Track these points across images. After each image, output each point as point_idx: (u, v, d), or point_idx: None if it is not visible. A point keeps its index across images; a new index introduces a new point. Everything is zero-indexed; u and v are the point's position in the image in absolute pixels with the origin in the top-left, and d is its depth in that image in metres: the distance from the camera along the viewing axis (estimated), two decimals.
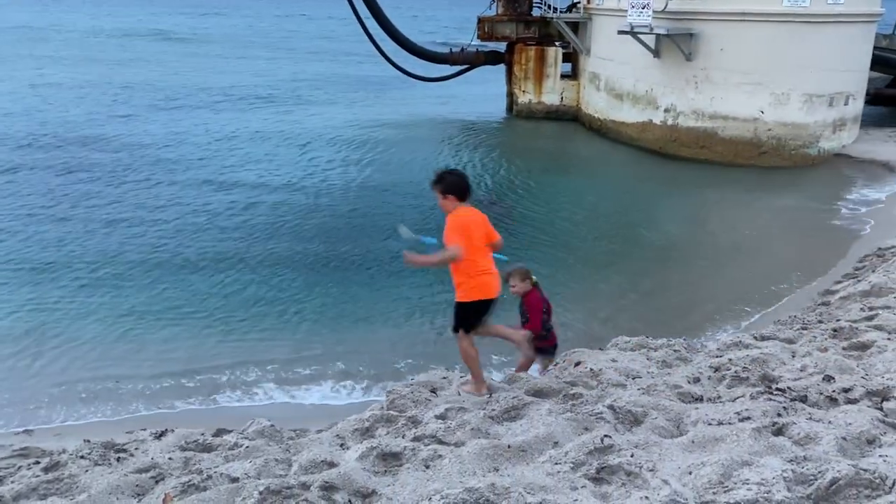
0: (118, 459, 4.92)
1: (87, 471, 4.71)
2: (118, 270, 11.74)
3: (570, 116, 26.72)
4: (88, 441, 5.36)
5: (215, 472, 4.52)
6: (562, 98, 26.93)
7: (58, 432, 7.66)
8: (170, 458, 4.85)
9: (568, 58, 27.19)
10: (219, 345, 9.45)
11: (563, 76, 27.11)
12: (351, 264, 12.15)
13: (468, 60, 28.27)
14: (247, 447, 5.06)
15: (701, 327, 10.04)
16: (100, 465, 4.87)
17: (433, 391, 6.06)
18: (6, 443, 7.32)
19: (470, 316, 5.52)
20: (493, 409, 5.33)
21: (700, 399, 5.36)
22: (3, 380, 8.63)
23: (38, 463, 5.06)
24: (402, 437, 4.97)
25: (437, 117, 26.81)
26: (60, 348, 9.31)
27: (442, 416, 5.30)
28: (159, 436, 5.41)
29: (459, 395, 5.83)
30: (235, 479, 4.48)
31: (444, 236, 5.26)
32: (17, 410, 8.09)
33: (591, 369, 6.29)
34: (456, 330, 5.65)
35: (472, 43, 28.39)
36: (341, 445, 5.05)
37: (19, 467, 5.07)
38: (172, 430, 5.47)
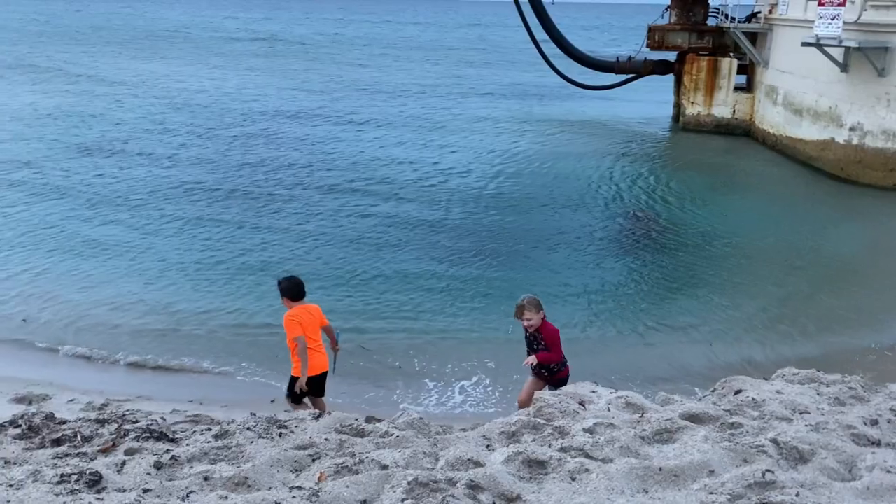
0: (280, 435, 5.23)
1: (252, 442, 5.05)
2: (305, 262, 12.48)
3: (741, 131, 25.41)
4: (254, 414, 5.75)
5: (367, 458, 4.70)
6: (734, 111, 25.66)
7: (224, 404, 8.27)
8: (326, 439, 5.10)
9: (742, 70, 25.88)
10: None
11: (737, 88, 25.83)
12: (499, 271, 12.21)
13: (635, 69, 27.61)
14: (397, 437, 5.22)
15: (880, 365, 9.21)
16: (263, 438, 5.20)
17: (581, 403, 5.96)
18: (180, 408, 8.03)
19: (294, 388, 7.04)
20: (645, 430, 5.16)
21: (878, 443, 4.91)
22: (183, 354, 9.46)
23: (209, 430, 5.49)
24: (549, 447, 4.93)
25: (598, 126, 26.40)
26: (226, 335, 10.04)
27: (590, 430, 5.20)
28: (317, 417, 5.69)
29: (609, 410, 5.70)
30: (385, 467, 4.64)
31: (287, 332, 6.82)
32: (192, 381, 8.83)
33: (754, 399, 5.93)
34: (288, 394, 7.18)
35: (641, 51, 27.70)
36: (487, 447, 5.08)
37: (193, 432, 5.53)
38: (329, 413, 5.74)
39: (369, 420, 6.60)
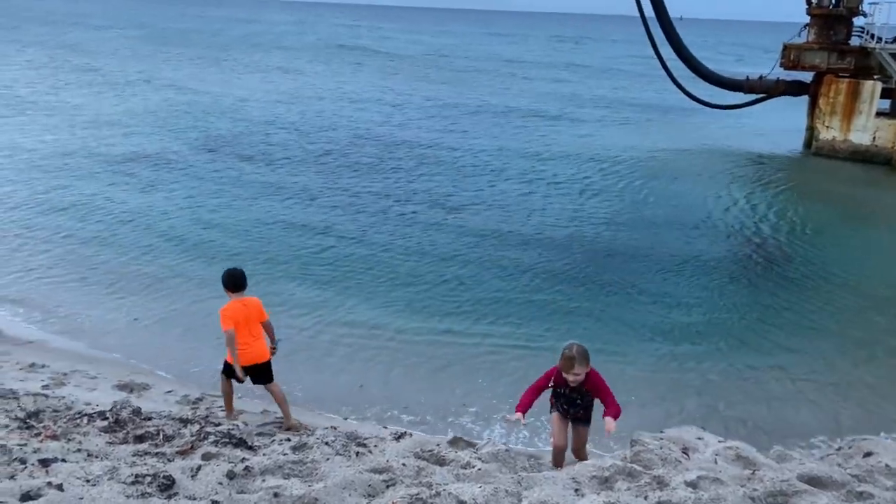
0: (357, 454, 5.01)
1: (328, 459, 4.85)
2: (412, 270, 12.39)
3: (881, 159, 23.46)
4: (335, 428, 5.56)
5: (444, 490, 4.40)
6: (874, 138, 23.72)
7: (311, 408, 8.14)
8: (403, 464, 4.83)
9: (887, 94, 23.92)
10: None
11: (879, 114, 23.89)
12: (607, 295, 11.62)
13: (766, 89, 26.10)
14: (479, 469, 4.89)
15: None
16: (340, 455, 4.99)
17: (685, 451, 5.42)
18: (273, 410, 7.94)
19: (228, 369, 6.93)
20: (756, 490, 4.59)
21: None
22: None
23: (288, 440, 5.35)
24: (644, 499, 4.46)
25: (722, 147, 25.09)
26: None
27: (693, 485, 4.68)
28: (398, 437, 5.44)
29: (716, 463, 5.14)
30: (462, 503, 4.32)
31: (221, 324, 6.82)
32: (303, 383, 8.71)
33: (887, 465, 5.21)
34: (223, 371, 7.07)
35: (773, 71, 26.15)
36: (576, 491, 4.66)
37: (273, 440, 5.40)
38: (411, 435, 5.48)
39: (454, 442, 6.30)
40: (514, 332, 10.10)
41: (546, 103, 29.87)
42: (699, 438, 5.72)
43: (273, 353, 7.21)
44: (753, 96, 26.44)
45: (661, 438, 5.60)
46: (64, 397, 7.56)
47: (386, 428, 5.88)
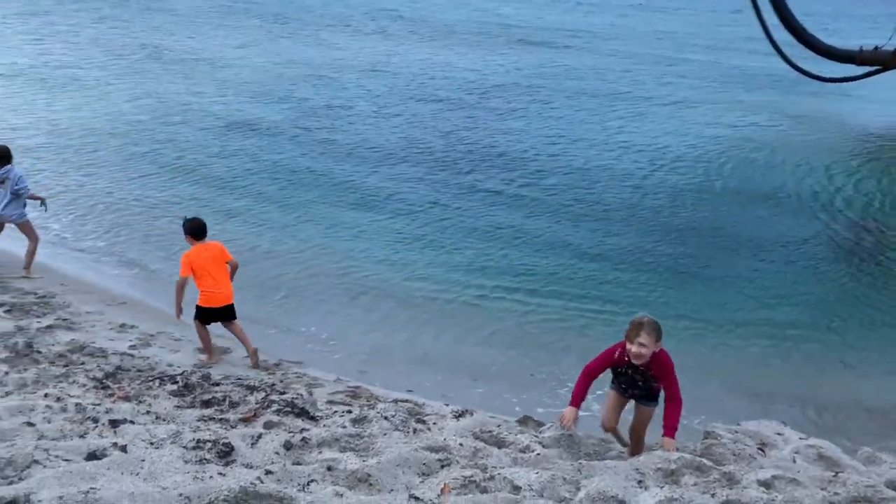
0: (415, 431, 4.96)
1: (385, 434, 4.82)
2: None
3: None
4: (396, 402, 5.53)
5: (499, 474, 4.29)
6: None
7: (371, 380, 8.07)
8: (461, 444, 4.75)
9: None
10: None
11: None
12: (691, 271, 11.12)
13: (881, 61, 24.25)
14: (538, 454, 4.75)
15: None
16: (398, 430, 4.95)
17: (761, 447, 5.10)
18: (346, 378, 8.02)
19: (200, 314, 7.74)
20: (837, 495, 4.27)
21: None
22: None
23: (349, 412, 5.36)
24: (712, 496, 4.21)
25: (833, 123, 23.54)
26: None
27: (767, 484, 4.39)
28: (459, 415, 5.36)
29: (794, 462, 4.81)
30: (517, 489, 4.20)
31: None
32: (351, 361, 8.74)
33: None
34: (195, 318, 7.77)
35: (891, 42, 24.26)
36: (639, 483, 4.46)
37: (334, 412, 5.42)
38: (472, 414, 5.39)
39: (524, 421, 6.18)
40: (595, 306, 9.82)
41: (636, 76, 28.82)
42: (779, 434, 5.38)
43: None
44: (867, 69, 24.65)
45: (737, 432, 5.30)
46: (148, 358, 7.88)
47: (447, 405, 5.80)
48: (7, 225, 10.33)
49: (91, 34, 30.17)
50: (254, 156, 16.89)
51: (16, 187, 9.98)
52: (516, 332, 9.24)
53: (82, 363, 7.04)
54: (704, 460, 4.70)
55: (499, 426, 5.22)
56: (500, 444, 4.94)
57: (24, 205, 10.26)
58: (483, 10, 41.52)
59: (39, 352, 7.14)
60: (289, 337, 9.26)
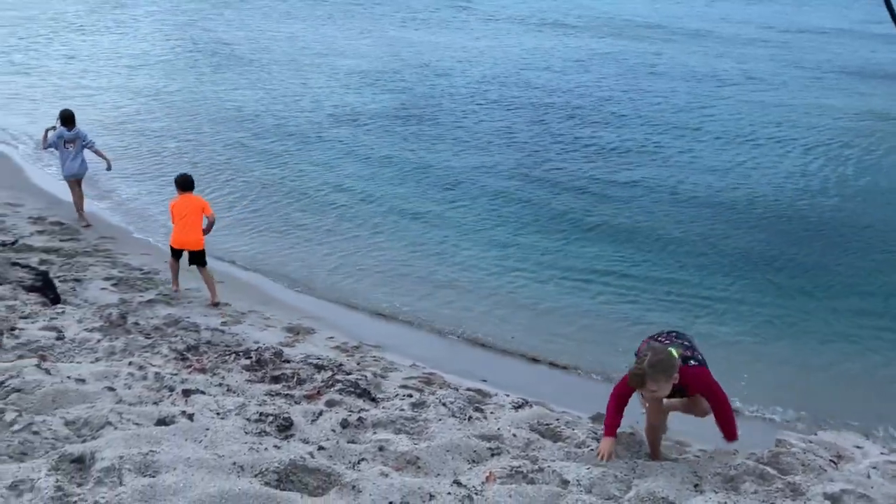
0: (470, 418, 4.99)
1: (440, 420, 4.88)
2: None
3: None
4: (457, 389, 5.58)
5: (548, 467, 4.26)
6: None
7: (449, 368, 8.12)
8: (514, 434, 4.74)
9: None
10: None
11: None
12: (803, 272, 10.53)
13: None
14: (592, 450, 4.67)
15: None
16: (454, 417, 5.00)
17: (835, 459, 4.82)
18: (422, 365, 8.13)
19: (171, 251, 9.22)
20: None
21: None
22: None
23: (411, 396, 5.45)
24: None
25: None
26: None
27: (834, 498, 4.15)
28: (518, 406, 5.34)
29: (869, 477, 4.51)
30: (565, 482, 4.16)
31: None
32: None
33: None
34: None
35: None
36: (695, 486, 4.31)
37: (396, 395, 5.53)
38: (531, 406, 5.36)
39: (597, 418, 6.09)
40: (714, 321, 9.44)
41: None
42: (857, 447, 5.06)
43: (206, 233, 9.21)
44: None
45: (811, 441, 5.02)
46: (237, 334, 8.28)
47: (508, 395, 5.80)
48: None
49: (204, 26, 31.75)
50: (353, 143, 17.33)
51: (83, 143, 11.43)
52: (606, 328, 9.09)
53: (177, 336, 7.49)
54: (769, 468, 4.48)
55: (557, 419, 5.17)
56: (555, 437, 4.89)
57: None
58: (590, 3, 40.65)
59: (137, 323, 7.66)
60: (375, 320, 9.51)
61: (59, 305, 7.52)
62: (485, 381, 7.50)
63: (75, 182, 11.52)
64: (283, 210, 12.98)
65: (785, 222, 12.42)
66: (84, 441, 3.91)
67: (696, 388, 4.45)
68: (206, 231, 9.25)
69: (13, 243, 9.83)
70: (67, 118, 11.25)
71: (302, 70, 24.46)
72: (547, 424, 5.02)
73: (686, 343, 4.58)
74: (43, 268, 8.77)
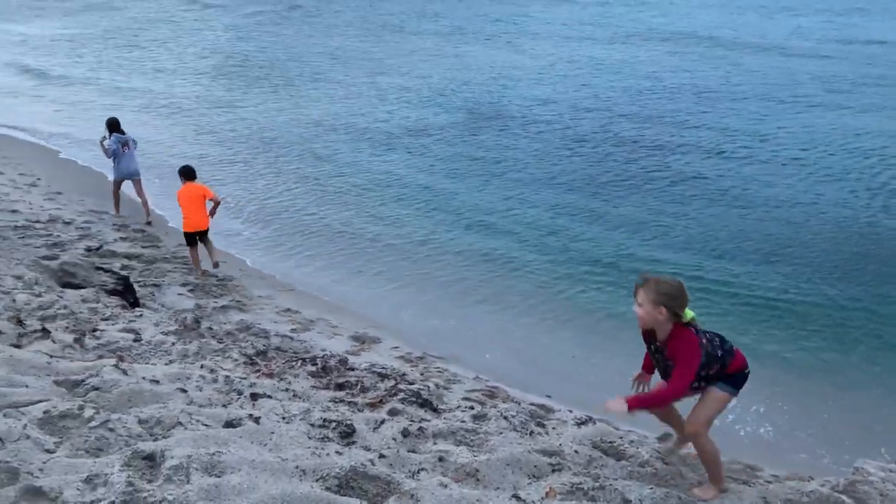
0: (531, 433, 4.95)
1: (501, 433, 4.85)
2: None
3: None
4: (520, 404, 5.54)
5: (610, 485, 4.18)
6: None
7: (508, 380, 8.10)
8: (576, 451, 4.67)
9: None
10: None
11: None
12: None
13: None
14: (656, 470, 4.56)
15: None
16: (515, 431, 4.97)
17: None
18: (485, 377, 8.09)
19: (185, 237, 10.47)
20: None
21: None
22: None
23: (472, 408, 5.44)
24: None
25: None
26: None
27: None
28: (581, 423, 5.26)
29: None
30: (627, 502, 4.07)
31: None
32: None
33: None
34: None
35: None
36: None
37: (458, 407, 5.53)
38: (595, 423, 5.27)
39: (663, 438, 5.94)
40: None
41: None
42: None
43: (212, 216, 10.47)
44: None
45: (891, 471, 4.76)
46: (305, 341, 8.45)
47: (571, 411, 5.71)
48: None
49: (269, 41, 32.69)
50: (422, 154, 17.51)
51: (135, 144, 12.62)
52: None
53: (247, 341, 7.70)
54: (844, 497, 4.28)
55: (621, 437, 5.07)
56: (619, 455, 4.80)
57: None
58: (666, 15, 40.04)
59: (211, 328, 7.91)
60: (440, 332, 9.53)
61: (137, 309, 7.83)
62: (549, 396, 7.43)
63: (137, 181, 12.58)
64: (353, 220, 13.23)
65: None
66: (156, 439, 4.05)
67: (673, 346, 4.07)
68: (212, 213, 10.47)
69: (98, 248, 10.30)
70: (116, 124, 12.56)
71: (376, 84, 24.89)
72: (610, 442, 4.93)
73: (721, 341, 4.23)
74: (124, 273, 9.16)
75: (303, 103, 22.41)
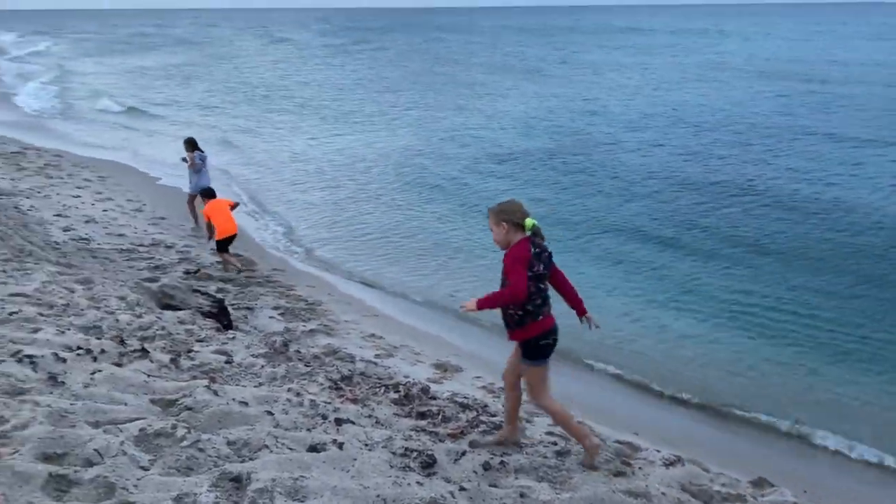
0: (617, 473, 4.79)
1: (584, 471, 4.72)
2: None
3: None
4: (605, 441, 5.39)
5: None
6: None
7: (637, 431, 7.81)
8: (663, 493, 4.49)
9: None
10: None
11: None
12: None
13: None
14: None
15: None
16: (600, 469, 4.82)
17: None
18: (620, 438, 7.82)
19: (218, 245, 11.42)
20: None
21: None
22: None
23: (555, 444, 5.33)
24: None
25: None
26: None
27: None
28: (669, 464, 5.07)
29: None
30: None
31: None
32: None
33: None
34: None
35: None
36: None
37: (541, 442, 5.42)
38: (683, 464, 5.06)
39: (758, 483, 5.65)
40: None
41: None
42: None
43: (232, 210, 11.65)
44: None
45: None
46: (389, 367, 8.51)
47: (659, 451, 5.50)
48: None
49: (369, 74, 33.56)
50: (514, 181, 17.57)
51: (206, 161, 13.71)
52: (783, 378, 8.49)
53: (333, 366, 7.82)
54: None
55: (711, 480, 4.84)
56: (708, 499, 4.59)
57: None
58: (746, 46, 39.01)
59: (299, 352, 8.08)
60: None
61: (230, 331, 8.09)
62: (636, 434, 7.20)
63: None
64: (445, 244, 13.44)
65: None
66: (243, 461, 4.15)
67: (505, 260, 4.67)
68: (232, 208, 11.75)
69: (196, 272, 10.74)
70: (195, 143, 13.64)
71: (473, 110, 25.22)
72: (700, 485, 4.72)
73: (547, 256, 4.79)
74: (220, 296, 9.50)
75: (400, 132, 22.93)
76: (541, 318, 4.67)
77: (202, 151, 13.62)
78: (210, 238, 12.73)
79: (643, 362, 8.99)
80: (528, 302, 4.58)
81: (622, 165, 18.83)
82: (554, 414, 4.86)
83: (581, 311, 4.98)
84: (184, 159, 13.68)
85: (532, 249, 4.63)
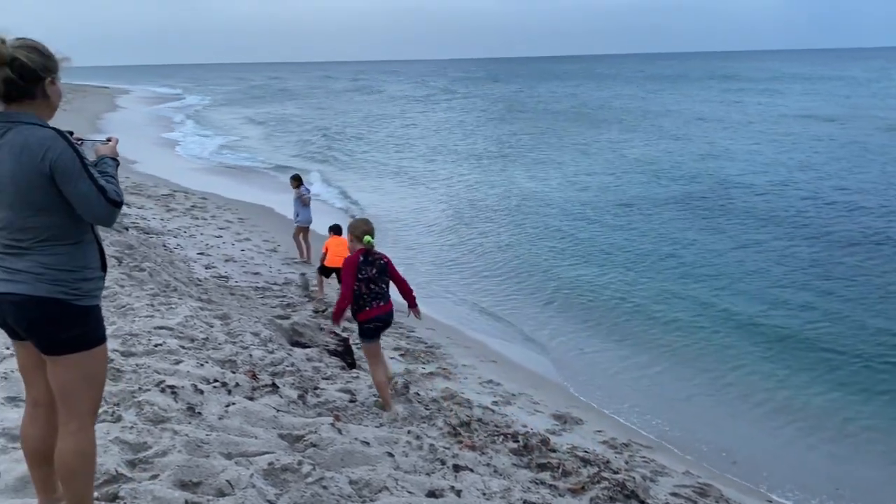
0: None
1: None
2: None
3: None
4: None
5: None
6: None
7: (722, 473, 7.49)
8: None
9: None
10: None
11: None
12: None
13: None
14: None
15: None
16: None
17: None
18: (697, 473, 7.53)
19: (322, 270, 12.37)
20: None
21: None
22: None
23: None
24: None
25: None
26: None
27: None
28: None
29: None
30: None
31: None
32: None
33: None
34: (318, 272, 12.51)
35: None
36: None
37: (666, 503, 5.17)
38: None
39: None
40: None
41: None
42: None
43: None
44: None
45: None
46: (507, 416, 8.43)
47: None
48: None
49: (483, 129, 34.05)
50: (640, 227, 17.25)
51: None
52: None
53: (451, 410, 7.84)
54: None
55: None
56: None
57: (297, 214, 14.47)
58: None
59: (418, 394, 8.16)
60: (648, 419, 9.09)
61: (354, 370, 8.29)
62: (769, 502, 6.75)
63: (308, 228, 14.48)
64: (561, 294, 13.28)
65: None
66: (364, 502, 4.21)
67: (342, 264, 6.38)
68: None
69: (324, 311, 11.14)
70: (301, 179, 14.75)
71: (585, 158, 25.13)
72: None
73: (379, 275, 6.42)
74: (345, 335, 9.79)
75: (516, 177, 23.13)
76: (368, 308, 6.29)
77: (307, 187, 14.72)
78: (309, 261, 13.95)
79: None
80: (359, 298, 6.25)
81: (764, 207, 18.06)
82: (376, 383, 6.55)
83: (411, 305, 6.71)
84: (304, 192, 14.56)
85: (362, 258, 6.20)
